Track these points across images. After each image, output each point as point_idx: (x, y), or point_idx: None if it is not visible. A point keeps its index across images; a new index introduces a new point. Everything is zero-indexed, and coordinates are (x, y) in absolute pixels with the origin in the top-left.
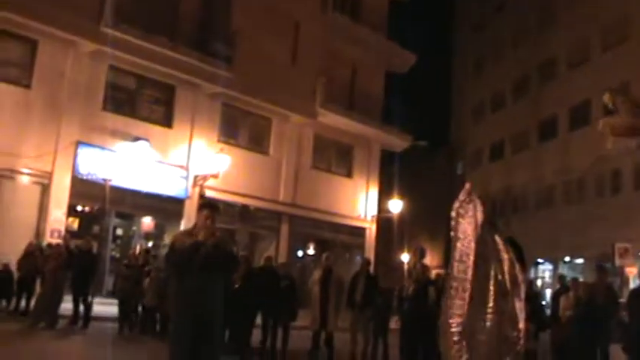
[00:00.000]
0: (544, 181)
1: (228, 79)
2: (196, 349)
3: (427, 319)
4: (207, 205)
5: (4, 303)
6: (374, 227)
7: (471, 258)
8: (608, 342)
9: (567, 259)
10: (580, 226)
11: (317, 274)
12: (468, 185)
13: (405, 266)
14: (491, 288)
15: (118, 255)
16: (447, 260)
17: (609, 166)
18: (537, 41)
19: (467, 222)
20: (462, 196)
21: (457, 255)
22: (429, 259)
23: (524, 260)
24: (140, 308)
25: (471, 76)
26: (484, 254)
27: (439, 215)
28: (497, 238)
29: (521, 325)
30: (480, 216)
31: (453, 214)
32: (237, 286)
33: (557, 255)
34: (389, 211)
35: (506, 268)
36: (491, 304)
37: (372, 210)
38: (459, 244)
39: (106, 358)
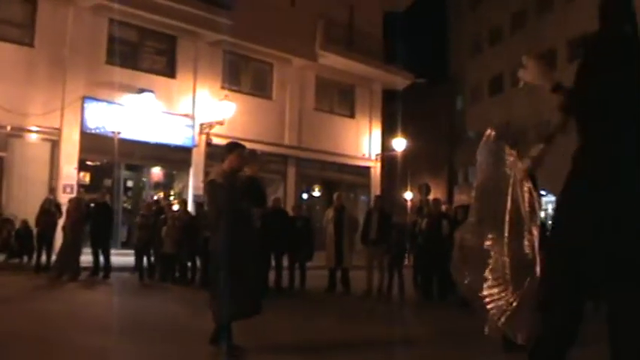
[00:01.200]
0: (544, 115)
1: (228, 26)
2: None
3: (441, 251)
4: (239, 145)
5: (25, 259)
6: (378, 166)
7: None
8: None
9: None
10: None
11: (330, 213)
12: (489, 132)
13: (409, 203)
14: (510, 214)
15: (129, 207)
16: (450, 195)
17: None
18: None
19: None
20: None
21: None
22: (433, 195)
23: (537, 190)
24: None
25: (468, 11)
26: (504, 181)
27: (440, 151)
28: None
29: (537, 249)
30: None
31: (479, 157)
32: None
33: (559, 187)
34: (392, 150)
35: (526, 196)
36: (509, 229)
37: (376, 149)
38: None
39: (137, 305)
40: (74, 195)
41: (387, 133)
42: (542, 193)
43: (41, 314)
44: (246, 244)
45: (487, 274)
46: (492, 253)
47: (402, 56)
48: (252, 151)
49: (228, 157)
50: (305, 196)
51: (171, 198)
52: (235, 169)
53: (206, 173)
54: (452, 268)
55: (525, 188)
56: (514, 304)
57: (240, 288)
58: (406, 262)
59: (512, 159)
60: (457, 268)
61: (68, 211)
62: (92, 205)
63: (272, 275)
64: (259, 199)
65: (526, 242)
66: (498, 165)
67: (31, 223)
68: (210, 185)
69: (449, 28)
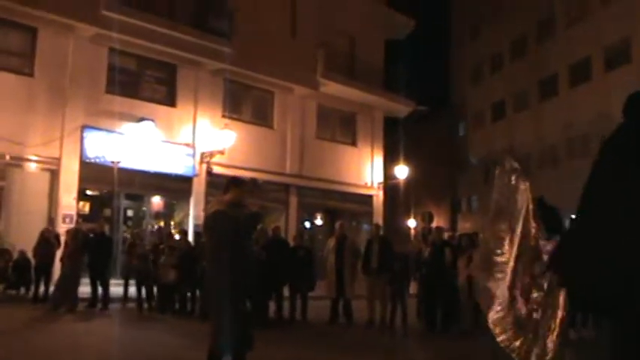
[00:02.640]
0: (547, 140)
1: (229, 55)
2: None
3: (444, 280)
4: (243, 181)
5: (22, 290)
6: (381, 194)
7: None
8: None
9: (574, 216)
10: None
11: (331, 243)
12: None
13: (412, 231)
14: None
15: (129, 236)
16: (453, 222)
17: (611, 121)
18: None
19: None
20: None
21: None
22: (436, 222)
23: (557, 221)
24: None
25: (469, 38)
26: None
27: (443, 178)
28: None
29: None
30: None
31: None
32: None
33: (563, 213)
34: (395, 177)
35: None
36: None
37: (378, 177)
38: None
39: (136, 337)
40: (73, 225)
41: (389, 160)
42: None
43: (38, 347)
44: (247, 278)
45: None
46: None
47: (404, 84)
48: (254, 180)
49: (232, 190)
50: (307, 224)
51: (172, 228)
52: (238, 202)
53: (207, 202)
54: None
55: (533, 225)
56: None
57: (237, 323)
58: (410, 291)
59: (523, 188)
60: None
61: (66, 241)
62: (90, 235)
63: (273, 305)
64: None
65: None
66: (512, 196)
67: (29, 253)
68: (216, 215)
69: (450, 55)
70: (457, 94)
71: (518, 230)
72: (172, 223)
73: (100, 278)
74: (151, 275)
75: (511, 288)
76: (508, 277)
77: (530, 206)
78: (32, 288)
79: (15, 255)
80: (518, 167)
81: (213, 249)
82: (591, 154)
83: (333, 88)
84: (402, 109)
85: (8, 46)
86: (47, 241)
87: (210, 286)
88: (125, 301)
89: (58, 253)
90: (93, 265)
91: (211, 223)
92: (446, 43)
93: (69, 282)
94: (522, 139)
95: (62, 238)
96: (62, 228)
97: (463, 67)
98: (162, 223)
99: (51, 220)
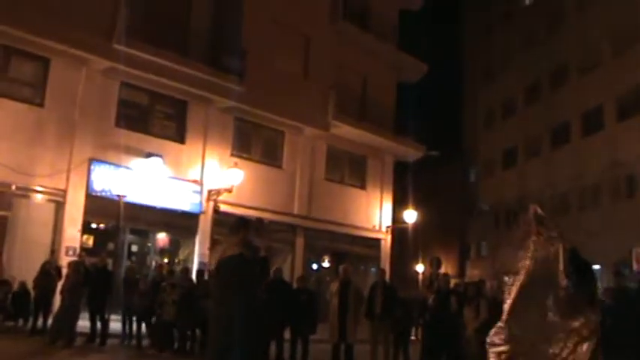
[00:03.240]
0: (558, 188)
1: (240, 93)
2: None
3: (448, 329)
4: (252, 221)
5: (21, 322)
6: (389, 238)
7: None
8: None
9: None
10: (596, 232)
11: (335, 286)
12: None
13: (420, 276)
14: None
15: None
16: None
17: (623, 171)
18: (547, 47)
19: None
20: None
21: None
22: (444, 269)
23: (586, 273)
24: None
25: (482, 84)
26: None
27: (452, 224)
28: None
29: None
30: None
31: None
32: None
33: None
34: (403, 222)
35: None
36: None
37: (387, 221)
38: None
39: None
40: (76, 258)
41: (399, 204)
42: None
43: None
44: (259, 321)
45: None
46: None
47: (415, 128)
48: (260, 220)
49: (242, 231)
50: (314, 266)
51: (173, 265)
52: (248, 243)
53: (213, 240)
54: None
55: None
56: None
57: None
58: (413, 337)
59: (555, 234)
60: None
61: (67, 274)
62: (92, 269)
63: (274, 348)
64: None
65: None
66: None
67: (30, 284)
68: (235, 259)
69: (462, 100)
70: (468, 139)
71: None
72: (176, 260)
73: (99, 313)
74: (150, 312)
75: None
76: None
77: (561, 257)
78: (31, 320)
79: (15, 286)
80: (544, 215)
81: (226, 291)
82: (602, 205)
83: (343, 130)
84: (412, 153)
85: (20, 75)
86: (48, 273)
87: (218, 328)
88: (124, 338)
89: (59, 286)
90: (93, 299)
91: (230, 267)
92: (458, 88)
93: (68, 315)
94: (533, 187)
95: (64, 271)
96: (65, 260)
97: (475, 113)
98: (166, 260)
99: (52, 252)
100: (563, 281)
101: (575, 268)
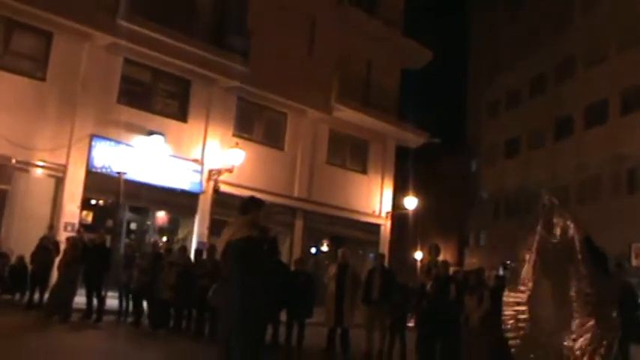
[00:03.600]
0: (559, 180)
1: (243, 74)
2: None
3: (446, 315)
4: (264, 203)
5: (17, 296)
6: (388, 224)
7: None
8: (628, 342)
9: None
10: (595, 226)
11: (332, 270)
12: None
13: (419, 264)
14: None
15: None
16: (460, 257)
17: (625, 165)
18: (554, 39)
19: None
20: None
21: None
22: (442, 256)
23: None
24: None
25: (487, 73)
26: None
27: (452, 212)
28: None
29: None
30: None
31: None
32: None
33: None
34: (403, 208)
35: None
36: None
37: (387, 206)
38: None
39: (125, 353)
40: (74, 233)
41: (399, 190)
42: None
43: (21, 354)
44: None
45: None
46: None
47: (418, 114)
48: (259, 201)
49: (253, 212)
50: (313, 250)
51: (175, 243)
52: (257, 224)
53: (212, 221)
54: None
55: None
56: None
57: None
58: (410, 324)
59: (570, 223)
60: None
61: (65, 249)
62: (90, 245)
63: (269, 330)
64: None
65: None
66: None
67: (28, 259)
68: (250, 241)
69: (467, 88)
70: (472, 128)
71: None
72: (175, 239)
73: (96, 290)
74: (149, 289)
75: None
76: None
77: (578, 246)
78: (27, 294)
79: (13, 260)
80: (558, 203)
81: (242, 274)
82: (602, 198)
83: (346, 113)
84: (414, 139)
85: (22, 49)
86: (45, 248)
87: (234, 311)
88: (121, 315)
89: (57, 261)
90: (90, 275)
91: (245, 249)
92: (463, 76)
93: (64, 291)
94: (534, 178)
95: (62, 246)
96: (63, 236)
97: (479, 102)
98: (165, 238)
99: (51, 227)
100: (584, 271)
101: (592, 257)
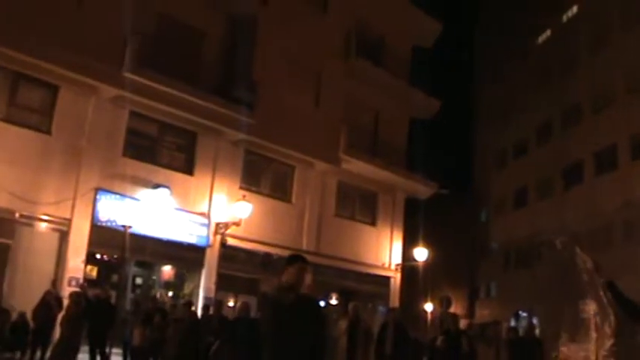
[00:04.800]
0: (570, 228)
1: (250, 126)
2: None
3: None
4: (300, 257)
5: (18, 354)
6: (398, 276)
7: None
8: None
9: None
10: (609, 274)
11: (343, 325)
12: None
13: (429, 316)
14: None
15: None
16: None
17: (637, 211)
18: (560, 86)
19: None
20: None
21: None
22: (454, 308)
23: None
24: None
25: (494, 122)
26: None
27: (462, 263)
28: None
29: None
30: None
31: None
32: None
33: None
34: (413, 260)
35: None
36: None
37: (397, 258)
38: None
39: None
40: (79, 288)
41: (409, 242)
42: None
43: None
44: None
45: None
46: None
47: (426, 165)
48: (268, 255)
49: (287, 270)
50: (322, 303)
51: (180, 298)
52: (293, 284)
53: (220, 275)
54: None
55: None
56: None
57: None
58: None
59: (589, 266)
60: None
61: (68, 305)
62: (94, 301)
63: None
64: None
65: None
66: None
67: (29, 315)
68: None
69: (475, 138)
70: (480, 178)
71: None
72: (181, 294)
73: (100, 347)
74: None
75: None
76: None
77: (601, 291)
78: (28, 352)
79: (14, 316)
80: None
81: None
82: (615, 246)
83: (354, 165)
84: (423, 190)
85: (28, 102)
86: (48, 304)
87: None
88: None
89: (59, 318)
90: (93, 332)
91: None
92: (470, 126)
93: (66, 349)
94: (544, 227)
95: (65, 302)
96: (67, 291)
97: (487, 152)
98: (170, 293)
99: (54, 282)
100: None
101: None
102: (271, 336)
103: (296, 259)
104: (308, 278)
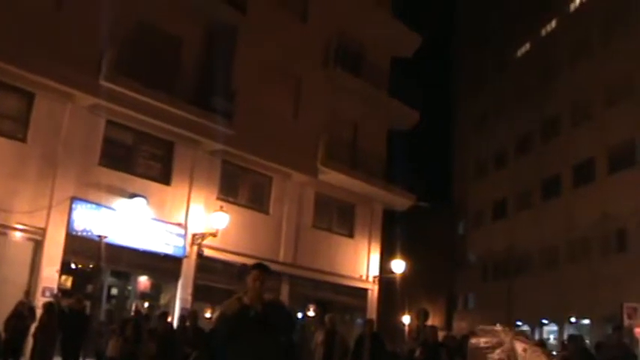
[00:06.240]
0: (548, 241)
1: (228, 136)
2: None
3: None
4: (257, 265)
5: None
6: (376, 288)
7: None
8: None
9: (573, 319)
10: (586, 286)
11: (320, 336)
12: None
13: (407, 328)
14: None
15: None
16: (449, 321)
17: (614, 224)
18: (539, 98)
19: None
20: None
21: None
22: (431, 321)
23: None
24: None
25: (473, 134)
26: None
27: (440, 276)
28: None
29: None
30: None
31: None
32: None
33: (562, 315)
34: (391, 272)
35: None
36: None
37: (374, 270)
38: None
39: None
40: (52, 299)
41: (386, 254)
42: (544, 321)
43: None
44: None
45: None
46: None
47: (405, 177)
48: (243, 266)
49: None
50: (299, 315)
51: (156, 309)
52: (251, 294)
53: (196, 286)
54: None
55: None
56: None
57: None
58: None
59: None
60: None
61: (41, 316)
62: (67, 311)
63: None
64: (280, 328)
65: None
66: None
67: (1, 326)
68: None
69: (453, 150)
70: (458, 190)
71: None
72: (157, 304)
73: (73, 358)
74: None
75: None
76: None
77: None
78: None
79: None
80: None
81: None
82: (592, 258)
83: (332, 176)
84: (402, 202)
85: (3, 109)
86: (20, 314)
87: None
88: None
89: (32, 328)
90: (67, 343)
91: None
92: (449, 137)
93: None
94: (522, 239)
95: (38, 312)
96: (41, 301)
97: (466, 164)
98: (146, 304)
99: (27, 293)
100: None
101: None
102: (219, 348)
103: (252, 267)
104: (265, 285)
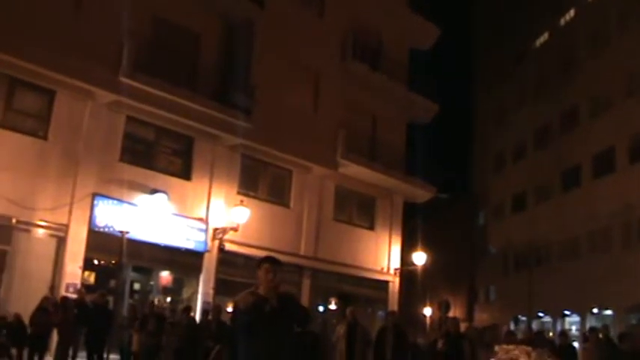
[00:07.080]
0: (568, 232)
1: (248, 131)
2: None
3: None
4: (267, 259)
5: (14, 351)
6: (397, 280)
7: None
8: None
9: (595, 310)
10: (608, 277)
11: (342, 329)
12: None
13: (428, 320)
14: None
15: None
16: (470, 312)
17: (636, 214)
18: (559, 90)
19: None
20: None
21: None
22: (452, 312)
23: None
24: None
25: (493, 127)
26: None
27: (461, 268)
28: None
29: None
30: None
31: None
32: None
33: (584, 306)
34: (412, 264)
35: None
36: None
37: (395, 263)
38: None
39: None
40: (75, 295)
41: (407, 246)
42: (566, 313)
43: None
44: None
45: None
46: None
47: (424, 168)
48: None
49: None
50: (321, 308)
51: (178, 303)
52: (265, 287)
53: (218, 280)
54: None
55: None
56: None
57: None
58: None
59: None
60: None
61: (58, 311)
62: (91, 306)
63: None
64: (296, 320)
65: None
66: None
67: (26, 319)
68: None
69: (473, 142)
70: (478, 182)
71: None
72: (179, 299)
73: (97, 352)
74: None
75: None
76: None
77: None
78: (24, 354)
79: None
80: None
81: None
82: (613, 249)
83: (352, 169)
84: (422, 194)
85: (24, 107)
86: (45, 309)
87: None
88: None
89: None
90: (91, 338)
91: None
92: (469, 130)
93: (63, 353)
94: (543, 231)
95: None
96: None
97: (486, 156)
98: (168, 299)
99: (52, 288)
100: None
101: None
102: (233, 340)
103: (262, 261)
104: (277, 277)
